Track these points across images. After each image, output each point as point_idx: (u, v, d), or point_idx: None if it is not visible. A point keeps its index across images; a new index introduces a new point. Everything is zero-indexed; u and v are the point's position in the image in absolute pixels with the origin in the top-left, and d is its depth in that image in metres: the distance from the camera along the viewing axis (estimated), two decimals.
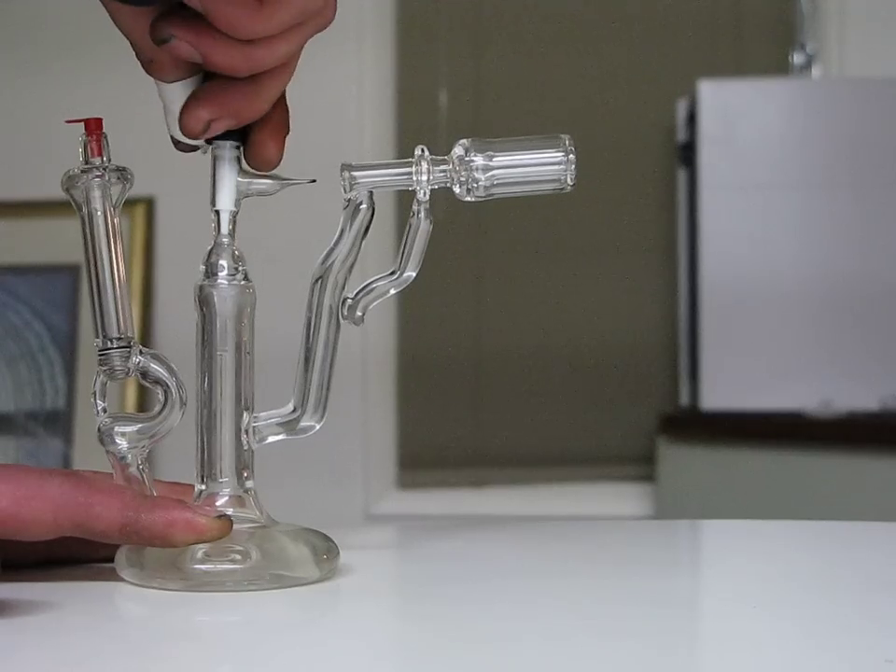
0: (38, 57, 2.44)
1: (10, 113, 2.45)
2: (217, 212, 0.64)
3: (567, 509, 2.31)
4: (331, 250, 0.66)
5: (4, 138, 2.45)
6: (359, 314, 0.66)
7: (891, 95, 2.15)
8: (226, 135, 0.64)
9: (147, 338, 2.32)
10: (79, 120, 0.64)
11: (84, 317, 2.34)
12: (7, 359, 2.36)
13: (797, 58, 2.36)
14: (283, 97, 0.66)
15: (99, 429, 0.65)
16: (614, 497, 2.35)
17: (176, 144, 0.65)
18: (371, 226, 0.66)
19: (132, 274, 2.30)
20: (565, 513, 2.27)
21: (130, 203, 2.29)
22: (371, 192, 0.66)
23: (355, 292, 0.66)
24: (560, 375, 2.40)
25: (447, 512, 2.30)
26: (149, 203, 2.39)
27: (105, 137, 0.65)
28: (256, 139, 0.65)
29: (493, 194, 0.66)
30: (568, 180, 0.66)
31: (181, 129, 0.63)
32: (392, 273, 0.66)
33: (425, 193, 0.65)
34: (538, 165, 0.66)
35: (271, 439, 0.66)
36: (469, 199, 0.66)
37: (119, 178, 0.65)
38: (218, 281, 0.64)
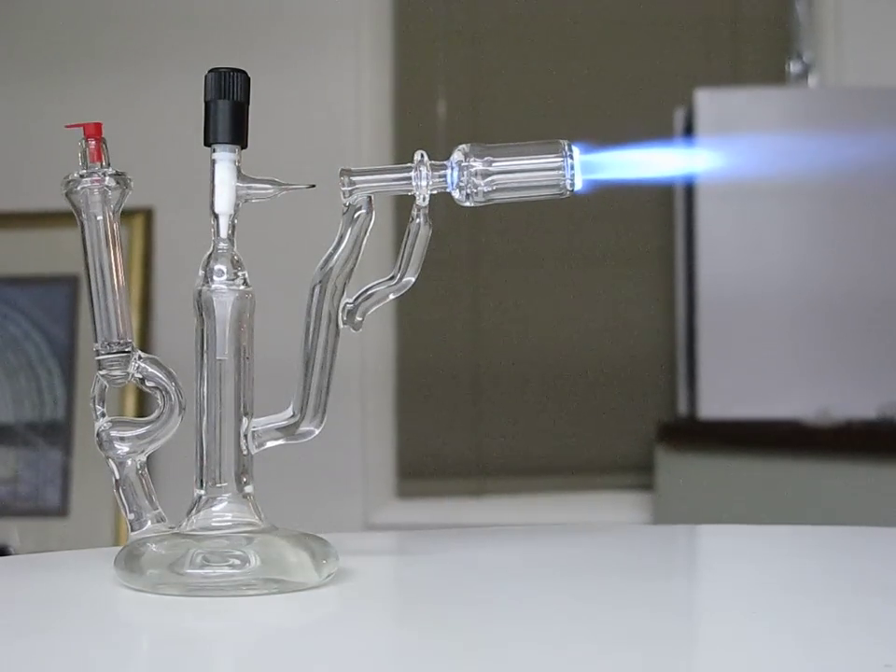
0: (37, 70, 2.44)
1: (9, 124, 2.45)
2: (217, 215, 0.65)
3: (566, 517, 2.31)
4: (330, 255, 0.66)
5: (2, 150, 2.45)
6: (358, 318, 0.66)
7: (887, 104, 2.15)
8: (226, 140, 0.65)
9: (146, 349, 2.32)
10: (79, 125, 0.64)
11: (83, 328, 2.34)
12: (7, 370, 2.36)
13: (794, 67, 2.36)
14: None
15: (98, 434, 0.65)
16: (613, 506, 2.35)
17: None
18: (370, 231, 0.66)
19: (130, 285, 2.30)
20: (563, 522, 2.27)
21: (128, 214, 2.30)
22: (371, 197, 0.66)
23: (354, 297, 0.66)
24: (558, 384, 2.40)
25: (446, 521, 2.30)
26: (148, 214, 2.39)
27: (104, 142, 0.65)
28: None
29: (492, 199, 0.66)
30: (568, 185, 0.66)
31: None
32: (391, 279, 0.67)
33: (424, 198, 0.65)
34: (537, 170, 0.66)
35: (270, 444, 0.66)
36: (468, 204, 0.66)
37: (118, 183, 0.65)
38: (218, 286, 0.64)
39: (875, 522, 0.86)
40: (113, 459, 0.65)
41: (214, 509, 0.64)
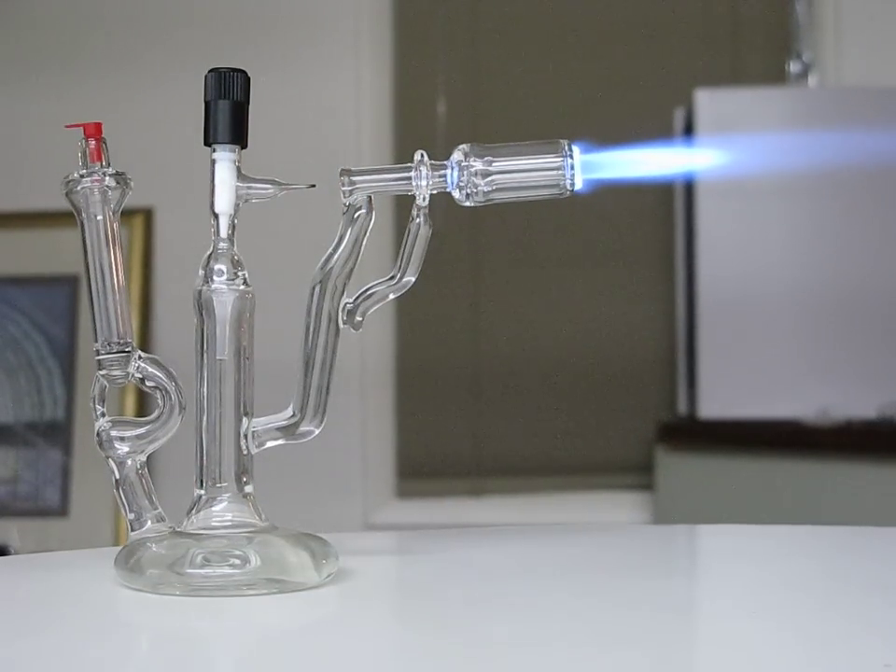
0: (37, 70, 2.44)
1: (9, 124, 2.45)
2: (216, 215, 0.65)
3: (566, 517, 2.31)
4: (331, 255, 0.66)
5: (2, 149, 2.45)
6: (358, 318, 0.66)
7: (887, 104, 2.15)
8: (226, 140, 0.65)
9: (146, 349, 2.32)
10: (79, 125, 0.64)
11: (83, 328, 2.34)
12: (7, 370, 2.36)
13: (793, 67, 2.37)
14: None
15: (98, 434, 0.65)
16: (612, 506, 2.35)
17: None
18: (370, 231, 0.66)
19: (130, 285, 2.30)
20: (563, 522, 2.27)
21: (128, 214, 2.29)
22: (371, 197, 0.66)
23: (354, 297, 0.66)
24: (558, 384, 2.40)
25: (446, 521, 2.30)
26: (148, 214, 2.39)
27: (104, 142, 0.65)
28: None
29: (492, 199, 0.66)
30: (568, 185, 0.66)
31: None
32: (391, 278, 0.67)
33: (424, 198, 0.65)
34: (537, 170, 0.66)
35: (270, 444, 0.66)
36: (468, 204, 0.66)
37: (118, 183, 0.65)
38: (218, 286, 0.64)
39: (875, 522, 0.86)
40: (113, 459, 0.65)
41: (214, 509, 0.64)
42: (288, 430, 0.66)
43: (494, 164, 0.65)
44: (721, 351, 2.12)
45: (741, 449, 2.04)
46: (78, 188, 0.64)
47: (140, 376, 0.66)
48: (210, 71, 0.65)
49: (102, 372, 0.65)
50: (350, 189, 0.65)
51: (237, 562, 0.61)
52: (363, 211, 0.66)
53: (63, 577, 0.67)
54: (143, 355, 0.66)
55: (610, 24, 2.44)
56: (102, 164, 0.65)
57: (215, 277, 0.64)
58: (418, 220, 0.66)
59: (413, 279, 0.66)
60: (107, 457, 0.65)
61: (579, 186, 0.66)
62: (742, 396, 2.10)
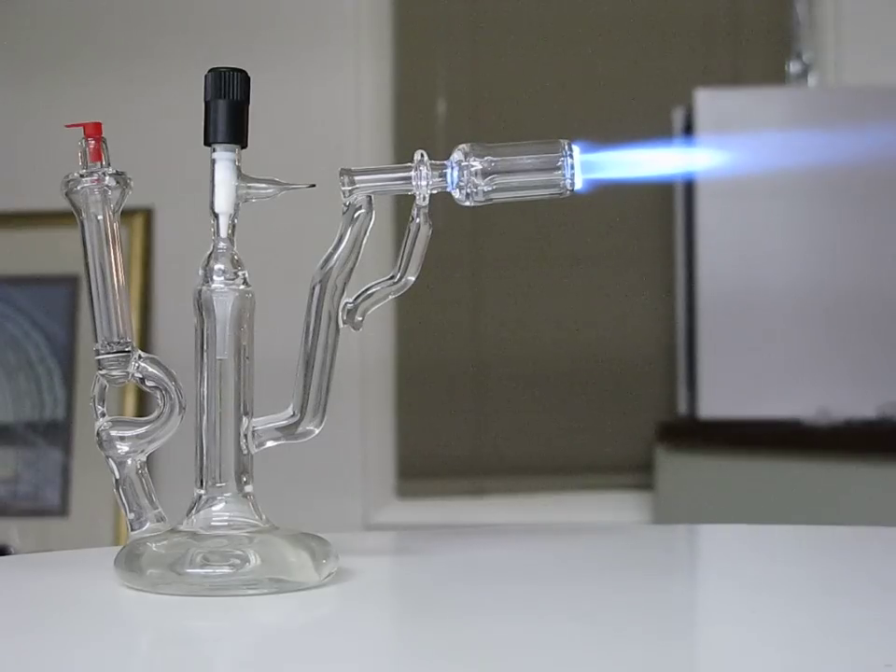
0: (37, 70, 2.44)
1: (9, 124, 2.45)
2: (216, 215, 0.65)
3: (566, 517, 2.31)
4: (330, 255, 0.66)
5: (2, 149, 2.45)
6: (359, 318, 0.66)
7: (887, 104, 2.15)
8: (226, 139, 0.65)
9: (146, 349, 2.32)
10: (78, 125, 0.64)
11: (83, 328, 2.34)
12: (7, 370, 2.36)
13: (793, 67, 2.37)
14: None
15: (98, 434, 0.65)
16: (613, 506, 2.35)
17: None
18: (370, 231, 0.66)
19: (130, 285, 2.29)
20: (563, 522, 2.27)
21: (128, 214, 2.30)
22: (371, 197, 0.66)
23: (354, 297, 0.66)
24: (558, 384, 2.40)
25: (446, 521, 2.30)
26: (148, 214, 2.39)
27: (104, 142, 0.65)
28: None
29: (492, 199, 0.66)
30: (568, 185, 0.66)
31: None
32: (391, 278, 0.67)
33: (424, 198, 0.65)
34: (537, 170, 0.66)
35: (270, 443, 0.66)
36: (468, 204, 0.66)
37: (118, 183, 0.65)
38: (218, 285, 0.64)
39: (875, 522, 0.86)
40: (113, 459, 0.65)
41: (214, 508, 0.64)
42: (288, 430, 0.66)
43: (494, 164, 0.65)
44: (721, 351, 2.12)
45: (741, 449, 2.04)
46: (78, 188, 0.65)
47: (140, 376, 0.66)
48: (209, 71, 0.65)
49: (102, 372, 0.65)
50: (350, 188, 0.66)
51: (237, 562, 0.61)
52: (363, 211, 0.66)
53: (63, 577, 0.67)
54: (143, 355, 0.66)
55: (610, 24, 2.44)
56: (102, 164, 0.65)
57: (214, 277, 0.64)
58: (418, 220, 0.66)
59: (414, 279, 0.66)
60: (107, 457, 0.65)
61: (579, 186, 0.66)
62: (742, 396, 2.10)
